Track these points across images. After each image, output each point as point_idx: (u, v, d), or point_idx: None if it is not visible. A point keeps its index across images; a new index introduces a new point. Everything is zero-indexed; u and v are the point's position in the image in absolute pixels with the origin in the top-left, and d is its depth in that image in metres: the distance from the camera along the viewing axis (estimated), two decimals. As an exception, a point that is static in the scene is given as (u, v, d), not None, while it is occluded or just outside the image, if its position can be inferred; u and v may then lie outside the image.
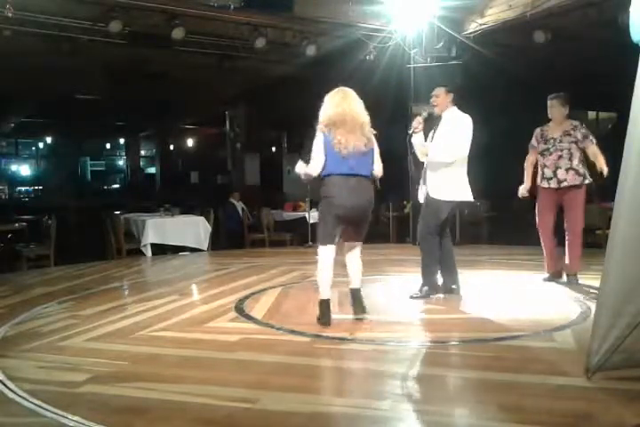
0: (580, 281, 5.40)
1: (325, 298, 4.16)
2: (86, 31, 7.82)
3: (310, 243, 9.20)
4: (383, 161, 4.29)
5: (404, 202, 9.88)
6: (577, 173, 5.31)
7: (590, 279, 5.22)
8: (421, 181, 4.98)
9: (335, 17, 8.25)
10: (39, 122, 19.53)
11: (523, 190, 5.62)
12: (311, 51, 8.71)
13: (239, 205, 10.58)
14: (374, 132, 4.23)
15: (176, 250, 8.76)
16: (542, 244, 5.57)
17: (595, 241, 7.20)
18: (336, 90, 4.26)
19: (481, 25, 8.27)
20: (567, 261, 5.45)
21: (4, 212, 11.78)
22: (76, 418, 2.58)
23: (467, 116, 4.83)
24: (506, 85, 9.78)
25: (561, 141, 5.37)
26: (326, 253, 4.18)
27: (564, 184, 5.34)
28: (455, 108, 4.90)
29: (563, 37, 8.05)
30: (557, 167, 5.36)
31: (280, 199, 12.05)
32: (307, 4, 7.92)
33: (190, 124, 20.95)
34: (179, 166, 23.74)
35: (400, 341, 3.87)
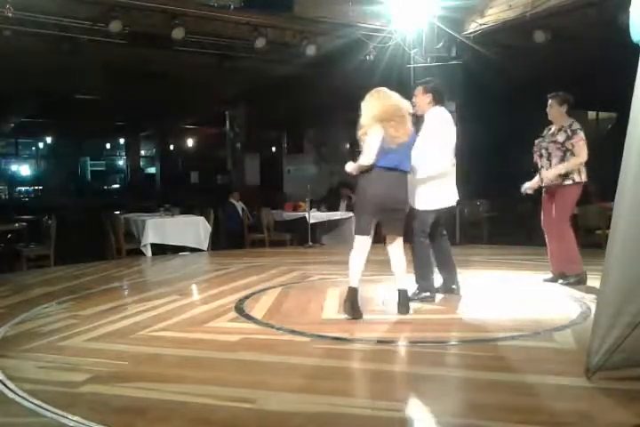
0: (564, 283, 5.36)
1: (354, 286, 4.30)
2: (86, 31, 7.81)
3: (310, 243, 9.22)
4: None
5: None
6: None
7: (590, 279, 5.22)
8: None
9: (335, 17, 8.24)
10: (39, 122, 19.51)
11: (528, 186, 5.61)
12: (311, 51, 8.71)
13: (239, 205, 10.59)
14: None
15: (176, 250, 8.76)
16: (547, 243, 5.59)
17: (595, 241, 7.20)
18: (376, 89, 4.43)
19: (481, 25, 8.27)
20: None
21: (4, 212, 11.79)
22: (76, 418, 2.58)
23: (444, 117, 4.79)
24: (506, 85, 9.78)
25: (543, 141, 5.45)
26: (361, 243, 4.34)
27: (546, 183, 5.38)
28: (437, 108, 4.83)
29: (563, 37, 8.04)
30: (541, 166, 5.43)
31: (280, 199, 12.05)
32: (307, 4, 7.92)
33: (190, 124, 20.93)
34: (179, 166, 23.72)
35: (400, 341, 3.87)
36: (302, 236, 9.45)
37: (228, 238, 10.04)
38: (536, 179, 5.52)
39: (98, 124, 19.02)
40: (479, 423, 2.56)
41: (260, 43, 8.36)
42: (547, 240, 5.57)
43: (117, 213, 9.19)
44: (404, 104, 4.37)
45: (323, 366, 3.39)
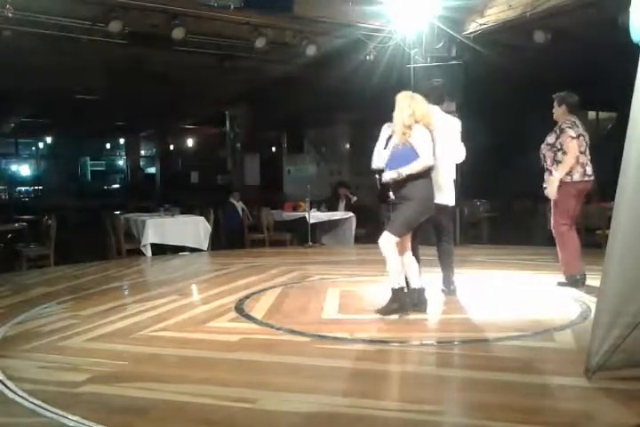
0: (564, 284, 5.33)
1: (400, 286, 4.39)
2: (86, 31, 7.80)
3: (310, 243, 9.21)
4: None
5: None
6: (550, 173, 5.33)
7: (590, 279, 5.22)
8: None
9: (335, 17, 8.24)
10: (39, 122, 19.49)
11: (548, 192, 5.56)
12: (311, 51, 8.70)
13: (239, 205, 10.59)
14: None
15: (176, 250, 8.76)
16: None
17: (595, 241, 7.19)
18: (405, 92, 4.49)
19: (481, 25, 8.26)
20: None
21: (4, 212, 11.78)
22: (75, 418, 2.58)
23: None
24: (506, 85, 9.78)
25: (544, 143, 5.44)
26: (395, 243, 4.35)
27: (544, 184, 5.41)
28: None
29: (563, 37, 8.04)
30: (546, 169, 5.42)
31: (280, 199, 12.05)
32: (307, 4, 7.91)
33: (190, 124, 20.91)
34: (179, 166, 23.71)
35: (400, 341, 3.87)
36: (302, 236, 9.45)
37: (228, 238, 10.04)
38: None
39: (98, 124, 19.00)
40: (479, 423, 2.56)
41: (259, 43, 8.36)
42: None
43: (117, 213, 9.18)
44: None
45: (322, 366, 3.39)
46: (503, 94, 10.07)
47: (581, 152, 5.25)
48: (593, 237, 7.37)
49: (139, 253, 8.39)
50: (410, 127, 4.28)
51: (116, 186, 26.32)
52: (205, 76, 10.97)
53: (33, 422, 2.64)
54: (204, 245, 8.80)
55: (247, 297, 5.24)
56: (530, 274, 6.10)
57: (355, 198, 10.44)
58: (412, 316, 4.43)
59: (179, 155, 23.95)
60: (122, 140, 25.06)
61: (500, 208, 10.05)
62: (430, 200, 4.41)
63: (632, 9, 3.02)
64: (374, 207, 9.86)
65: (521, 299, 5.07)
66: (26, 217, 9.69)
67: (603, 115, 14.01)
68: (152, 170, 24.68)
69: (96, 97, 13.57)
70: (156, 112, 16.25)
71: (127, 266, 7.54)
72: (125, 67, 10.18)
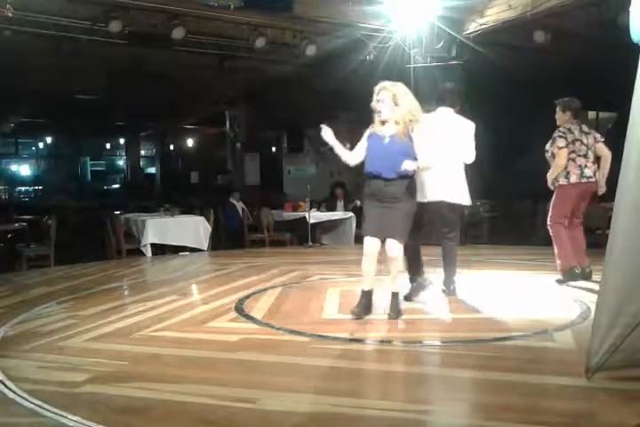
0: (562, 281, 5.42)
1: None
2: (86, 31, 7.79)
3: (310, 243, 9.21)
4: None
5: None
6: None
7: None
8: None
9: (335, 17, 8.23)
10: (39, 122, 19.48)
11: None
12: (311, 51, 8.70)
13: (239, 205, 10.59)
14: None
15: (176, 250, 8.76)
16: None
17: (595, 241, 7.19)
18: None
19: (481, 25, 8.26)
20: None
21: (4, 212, 11.77)
22: (76, 418, 2.58)
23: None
24: (506, 85, 9.77)
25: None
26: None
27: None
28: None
29: (563, 37, 8.04)
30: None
31: (280, 199, 12.05)
32: (307, 4, 7.91)
33: (190, 124, 20.90)
34: (179, 166, 23.70)
35: (400, 341, 3.87)
36: (302, 236, 9.45)
37: (228, 238, 10.04)
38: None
39: (98, 124, 19.00)
40: (479, 423, 2.56)
41: (259, 43, 8.36)
42: None
43: (117, 213, 9.19)
44: None
45: (323, 366, 3.39)
46: (503, 94, 10.06)
47: (579, 155, 5.36)
48: (593, 237, 7.36)
49: (139, 253, 8.39)
50: (416, 121, 4.24)
51: (116, 186, 26.31)
52: (205, 76, 10.96)
53: (33, 423, 2.64)
54: (204, 245, 8.81)
55: (247, 297, 5.24)
56: (530, 274, 6.10)
57: (359, 203, 10.42)
58: (412, 316, 4.44)
59: (179, 155, 23.93)
60: (122, 141, 25.03)
61: (501, 208, 10.05)
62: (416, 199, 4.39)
63: (632, 9, 3.02)
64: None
65: (521, 299, 5.07)
66: (26, 217, 9.67)
67: (603, 115, 14.00)
68: (152, 170, 24.67)
69: (96, 97, 13.57)
70: (155, 112, 16.25)
71: (127, 266, 7.54)
72: (125, 67, 10.17)
